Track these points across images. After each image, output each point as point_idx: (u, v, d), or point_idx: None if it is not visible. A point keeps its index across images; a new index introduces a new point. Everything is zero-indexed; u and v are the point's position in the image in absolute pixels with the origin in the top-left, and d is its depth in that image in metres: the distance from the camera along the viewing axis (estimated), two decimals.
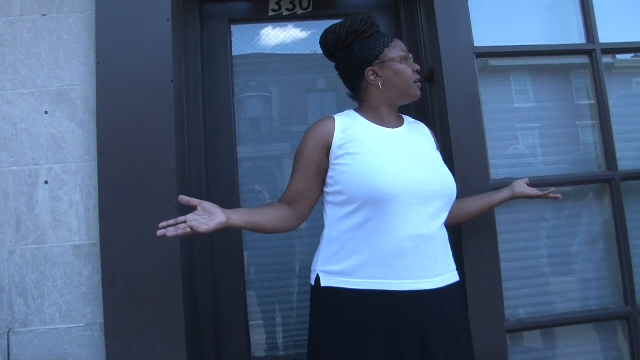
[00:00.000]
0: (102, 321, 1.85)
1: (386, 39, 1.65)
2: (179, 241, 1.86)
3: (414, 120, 1.79)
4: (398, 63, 1.62)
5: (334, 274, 1.54)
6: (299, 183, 1.62)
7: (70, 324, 1.88)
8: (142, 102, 1.91)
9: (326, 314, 1.54)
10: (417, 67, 1.66)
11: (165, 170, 1.89)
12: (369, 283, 1.49)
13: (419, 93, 1.66)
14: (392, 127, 1.66)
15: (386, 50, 1.63)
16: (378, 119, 1.65)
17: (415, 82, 1.64)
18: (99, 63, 1.93)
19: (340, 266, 1.53)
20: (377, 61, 1.63)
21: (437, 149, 1.73)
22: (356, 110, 1.70)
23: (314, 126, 1.63)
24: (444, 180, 1.59)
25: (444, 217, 1.59)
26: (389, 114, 1.67)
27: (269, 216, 1.55)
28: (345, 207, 1.54)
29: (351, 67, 1.66)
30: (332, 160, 1.58)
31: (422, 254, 1.50)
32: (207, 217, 1.36)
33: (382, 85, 1.63)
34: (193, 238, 2.11)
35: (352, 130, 1.59)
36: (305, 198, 1.62)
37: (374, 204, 1.48)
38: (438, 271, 1.53)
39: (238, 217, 1.45)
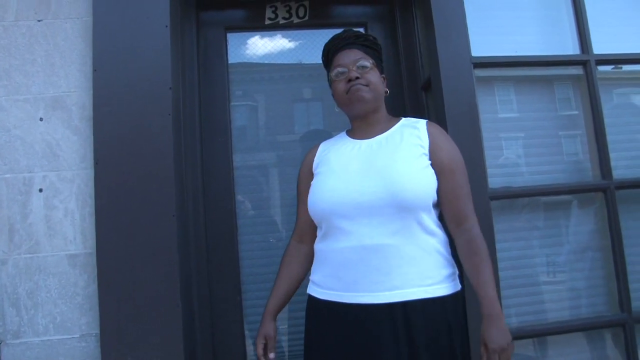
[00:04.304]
0: (98, 332, 1.81)
1: (330, 61, 1.68)
2: (176, 250, 1.83)
3: (414, 121, 1.64)
4: (333, 81, 1.65)
5: (311, 283, 1.63)
6: (303, 213, 1.68)
7: (64, 335, 1.84)
8: (140, 109, 1.90)
9: (305, 319, 1.64)
10: (347, 76, 1.58)
11: (163, 178, 1.87)
12: (326, 294, 1.54)
13: (353, 106, 1.59)
14: (369, 138, 1.62)
15: (329, 74, 1.68)
16: (355, 133, 1.68)
17: (348, 92, 1.58)
18: (95, 69, 1.91)
19: (314, 276, 1.62)
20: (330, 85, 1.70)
21: (430, 148, 1.54)
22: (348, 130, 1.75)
23: (304, 157, 1.75)
24: (393, 188, 1.45)
25: (398, 226, 1.46)
26: (362, 126, 1.65)
27: (295, 280, 1.72)
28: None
29: None
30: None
31: (367, 267, 1.45)
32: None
33: (337, 107, 1.69)
34: (189, 247, 2.09)
35: (326, 152, 1.67)
36: (312, 224, 1.66)
37: (322, 220, 1.56)
38: (389, 285, 1.44)
39: (276, 313, 1.71)
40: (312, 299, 1.60)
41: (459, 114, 2.02)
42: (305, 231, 1.70)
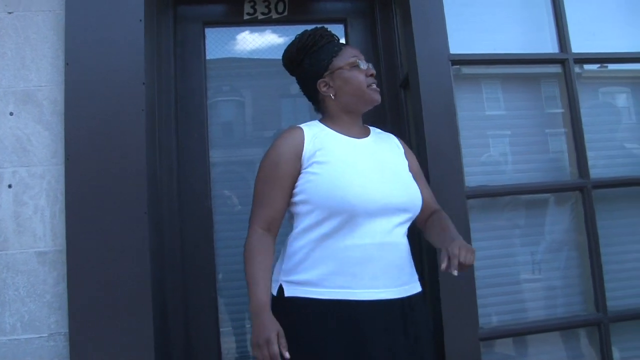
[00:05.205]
0: (67, 331, 1.78)
1: (335, 48, 1.66)
2: (147, 248, 1.81)
3: (381, 131, 1.78)
4: (347, 71, 1.62)
5: (298, 284, 1.51)
6: (279, 200, 1.57)
7: (32, 334, 1.80)
8: (112, 105, 1.86)
9: (291, 324, 1.48)
10: (372, 72, 1.64)
11: (135, 175, 1.84)
12: (334, 293, 1.48)
13: (376, 97, 1.64)
14: (358, 137, 1.65)
15: (334, 60, 1.64)
16: (341, 129, 1.64)
17: (369, 86, 1.62)
18: (67, 64, 1.87)
19: (305, 276, 1.51)
20: (326, 72, 1.64)
21: (406, 157, 1.71)
22: (320, 120, 1.69)
23: (284, 138, 1.60)
24: (411, 193, 1.59)
25: (405, 228, 1.59)
26: (351, 123, 1.66)
27: (271, 268, 1.57)
28: (310, 216, 1.53)
29: (305, 81, 1.71)
30: (302, 169, 1.56)
31: (387, 263, 1.50)
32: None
33: (334, 95, 1.64)
34: (162, 245, 2.07)
35: (320, 139, 1.58)
36: (283, 214, 1.60)
37: (342, 214, 1.47)
38: (402, 280, 1.54)
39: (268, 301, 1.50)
40: (306, 302, 1.49)
41: (436, 111, 2.01)
42: (275, 220, 1.58)
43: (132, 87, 1.87)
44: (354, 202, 1.46)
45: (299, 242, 1.55)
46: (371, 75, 1.64)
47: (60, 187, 1.86)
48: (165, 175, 2.13)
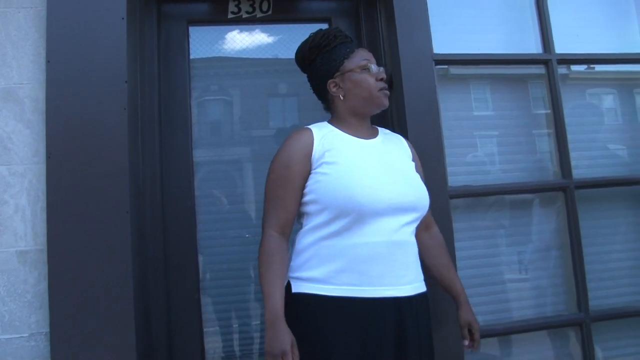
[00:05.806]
0: (48, 331, 1.76)
1: (347, 50, 1.68)
2: (129, 247, 1.80)
3: (389, 131, 1.79)
4: (357, 73, 1.64)
5: (306, 280, 1.53)
6: (292, 202, 1.58)
7: (12, 334, 1.78)
8: (95, 103, 1.85)
9: (297, 320, 1.49)
10: (382, 76, 1.65)
11: (118, 173, 1.82)
12: (342, 290, 1.49)
13: (384, 102, 1.66)
14: (366, 138, 1.66)
15: (346, 61, 1.66)
16: (350, 130, 1.65)
17: (380, 90, 1.64)
18: (49, 61, 1.86)
19: (313, 273, 1.52)
20: (337, 73, 1.66)
21: (413, 159, 1.74)
22: (329, 121, 1.71)
23: (293, 140, 1.61)
24: (419, 193, 1.60)
25: (413, 227, 1.61)
26: (359, 125, 1.67)
27: (286, 275, 1.56)
28: (319, 216, 1.54)
29: (316, 80, 1.72)
30: (311, 170, 1.57)
31: (394, 261, 1.51)
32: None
33: (343, 96, 1.66)
34: (145, 244, 2.06)
35: (329, 140, 1.60)
36: (295, 215, 1.61)
37: (351, 214, 1.49)
38: (409, 279, 1.55)
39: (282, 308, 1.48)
40: (313, 298, 1.50)
41: (419, 111, 2.02)
42: (289, 222, 1.58)
43: (114, 85, 1.86)
44: (363, 202, 1.48)
45: (308, 239, 1.56)
46: (381, 79, 1.65)
47: (42, 186, 1.84)
48: (148, 174, 2.11)
